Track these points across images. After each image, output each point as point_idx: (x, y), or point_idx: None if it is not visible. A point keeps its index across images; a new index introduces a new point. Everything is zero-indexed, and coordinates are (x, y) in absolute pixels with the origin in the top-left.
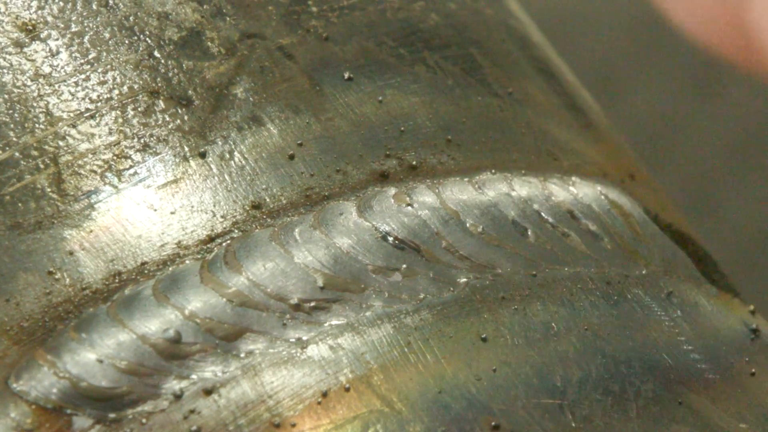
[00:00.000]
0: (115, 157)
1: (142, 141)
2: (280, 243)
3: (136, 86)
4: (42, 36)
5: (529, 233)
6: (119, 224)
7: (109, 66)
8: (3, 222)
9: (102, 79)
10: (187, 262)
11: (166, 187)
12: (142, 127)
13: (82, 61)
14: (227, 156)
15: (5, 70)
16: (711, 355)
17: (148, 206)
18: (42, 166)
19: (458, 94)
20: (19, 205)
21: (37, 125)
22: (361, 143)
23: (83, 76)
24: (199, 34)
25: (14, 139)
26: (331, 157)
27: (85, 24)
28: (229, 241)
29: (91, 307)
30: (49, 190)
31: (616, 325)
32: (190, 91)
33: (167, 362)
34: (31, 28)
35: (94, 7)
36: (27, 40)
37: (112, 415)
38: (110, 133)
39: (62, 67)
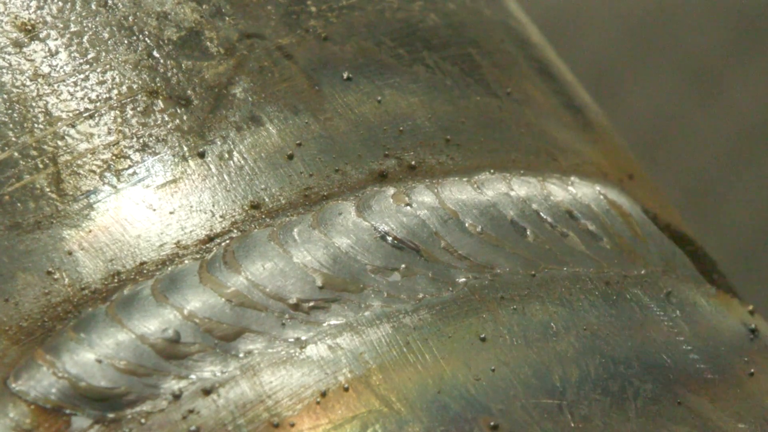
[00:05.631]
0: (114, 157)
1: (141, 141)
2: (278, 243)
3: (135, 86)
4: (41, 36)
5: (528, 233)
6: (118, 224)
7: (108, 66)
8: (2, 222)
9: (101, 78)
10: (186, 262)
11: (165, 187)
12: (141, 126)
13: (81, 61)
14: (226, 156)
15: (4, 70)
16: (710, 355)
17: (147, 206)
18: (41, 165)
19: (457, 94)
20: (18, 205)
21: (36, 125)
22: (360, 143)
23: (82, 76)
24: (198, 33)
25: (13, 138)
26: (330, 157)
27: (84, 24)
28: (228, 241)
29: (90, 307)
30: (48, 189)
31: (615, 325)
32: (189, 91)
33: (166, 362)
34: (30, 28)
35: (93, 7)
36: (26, 40)
37: (111, 415)
38: (109, 133)
39: (61, 67)
